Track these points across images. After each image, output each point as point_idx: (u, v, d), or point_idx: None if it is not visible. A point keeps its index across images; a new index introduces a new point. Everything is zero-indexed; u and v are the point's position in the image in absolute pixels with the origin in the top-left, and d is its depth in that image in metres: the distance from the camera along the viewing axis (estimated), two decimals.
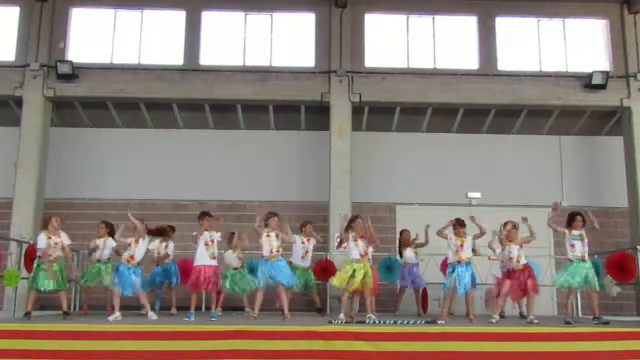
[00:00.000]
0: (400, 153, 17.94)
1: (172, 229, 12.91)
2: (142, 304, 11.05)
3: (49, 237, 10.59)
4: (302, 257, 12.56)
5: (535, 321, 10.15)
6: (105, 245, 12.27)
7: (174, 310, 12.55)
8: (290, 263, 12.20)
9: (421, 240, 13.24)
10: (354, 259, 10.74)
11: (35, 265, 10.62)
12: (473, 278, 11.06)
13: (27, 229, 15.70)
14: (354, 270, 10.62)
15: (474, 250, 11.34)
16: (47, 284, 10.45)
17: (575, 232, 10.71)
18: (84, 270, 12.93)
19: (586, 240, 10.69)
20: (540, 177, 17.89)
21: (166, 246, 12.58)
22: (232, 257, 12.50)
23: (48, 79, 16.83)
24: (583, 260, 10.58)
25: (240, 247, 12.51)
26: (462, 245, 10.98)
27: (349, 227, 10.98)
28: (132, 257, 10.77)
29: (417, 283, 13.32)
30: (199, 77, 17.15)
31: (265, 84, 17.14)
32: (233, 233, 12.58)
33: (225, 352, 8.52)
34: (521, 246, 10.81)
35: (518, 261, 10.71)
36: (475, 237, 11.22)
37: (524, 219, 10.92)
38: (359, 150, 17.35)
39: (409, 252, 13.30)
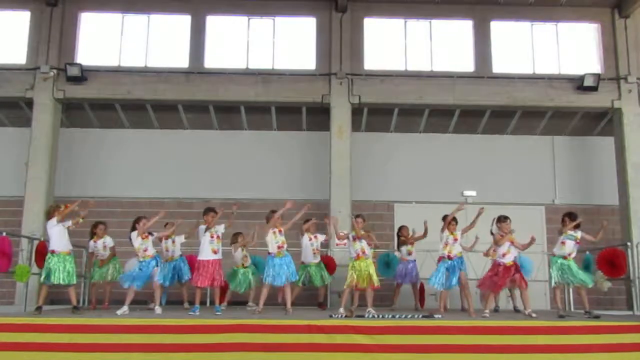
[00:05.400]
0: (398, 153, 18.20)
1: (173, 225, 12.87)
2: (155, 297, 11.23)
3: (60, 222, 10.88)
4: (314, 253, 12.74)
5: (534, 315, 10.43)
6: (105, 244, 12.65)
7: (187, 305, 12.69)
8: (302, 263, 12.61)
9: (419, 236, 13.31)
10: (352, 259, 11.28)
11: (48, 259, 10.79)
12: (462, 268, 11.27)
13: (38, 226, 15.83)
14: (357, 270, 11.14)
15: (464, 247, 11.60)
16: (63, 278, 10.69)
17: (570, 232, 10.98)
18: (89, 266, 13.19)
19: (578, 245, 11.02)
20: (534, 176, 18.18)
21: (173, 242, 12.74)
22: (240, 256, 12.71)
23: (58, 81, 17.06)
24: (565, 258, 10.90)
25: (245, 245, 12.67)
26: (455, 240, 11.22)
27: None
28: (145, 250, 11.15)
29: (413, 278, 13.48)
30: (203, 79, 17.36)
31: (268, 86, 17.36)
32: (237, 233, 12.76)
33: (229, 345, 8.78)
34: (512, 243, 10.97)
35: (503, 255, 10.89)
36: (464, 231, 11.48)
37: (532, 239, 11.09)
38: (359, 150, 17.65)
39: (404, 249, 13.49)
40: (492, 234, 11.61)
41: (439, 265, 11.38)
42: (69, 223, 11.08)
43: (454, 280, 11.17)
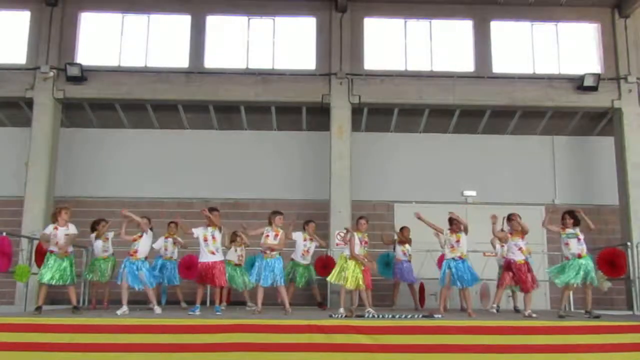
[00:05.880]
0: (398, 153, 18.23)
1: (176, 224, 12.96)
2: (150, 298, 11.30)
3: (55, 228, 10.79)
4: (303, 254, 12.61)
5: (534, 315, 10.42)
6: (108, 239, 12.56)
7: (184, 305, 12.79)
8: (292, 260, 12.59)
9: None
10: (347, 257, 11.24)
11: (46, 260, 10.76)
12: (472, 274, 11.17)
13: (38, 226, 15.79)
14: (346, 267, 11.11)
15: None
16: (49, 277, 10.59)
17: (570, 231, 10.88)
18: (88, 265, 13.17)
19: (582, 239, 10.81)
20: (534, 176, 18.21)
21: (174, 243, 12.80)
22: (233, 255, 12.71)
23: (58, 81, 17.08)
24: (579, 257, 10.69)
25: (241, 244, 12.69)
26: (458, 241, 11.10)
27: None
28: (135, 252, 11.07)
29: (409, 278, 13.58)
30: (203, 79, 17.39)
31: (268, 86, 17.38)
32: (235, 232, 12.77)
33: (229, 345, 8.74)
34: (523, 238, 10.98)
35: (520, 249, 10.88)
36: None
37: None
38: (359, 150, 17.65)
39: (398, 249, 13.60)
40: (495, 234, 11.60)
41: (457, 264, 11.18)
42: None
43: (460, 281, 11.15)
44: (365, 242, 11.31)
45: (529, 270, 10.96)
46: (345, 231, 12.28)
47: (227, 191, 17.73)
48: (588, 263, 10.78)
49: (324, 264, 13.74)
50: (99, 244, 12.53)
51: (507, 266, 11.09)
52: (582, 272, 10.67)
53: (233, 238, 12.74)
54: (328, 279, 11.57)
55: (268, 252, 10.90)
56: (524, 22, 18.26)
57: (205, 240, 10.83)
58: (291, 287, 12.42)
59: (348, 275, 11.05)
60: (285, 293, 11.15)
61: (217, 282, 10.84)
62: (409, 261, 13.66)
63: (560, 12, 18.14)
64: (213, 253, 10.82)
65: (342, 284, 11.22)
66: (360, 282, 11.07)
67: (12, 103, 17.51)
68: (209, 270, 10.73)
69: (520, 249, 10.96)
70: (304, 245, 12.65)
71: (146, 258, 11.33)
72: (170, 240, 12.82)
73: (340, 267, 11.28)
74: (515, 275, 10.95)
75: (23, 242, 13.31)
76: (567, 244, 10.90)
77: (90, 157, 18.02)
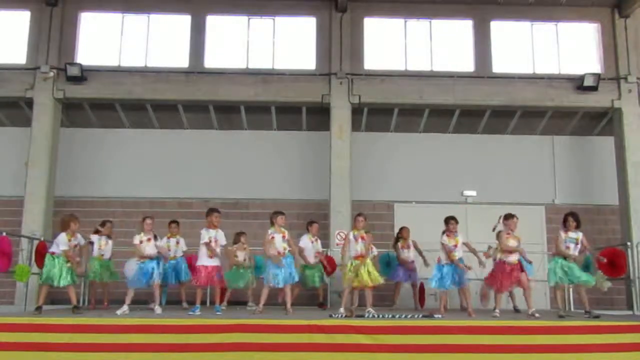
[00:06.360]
0: (398, 153, 18.19)
1: (177, 224, 13.05)
2: (154, 296, 11.21)
3: (70, 240, 10.90)
4: (315, 256, 12.71)
5: (537, 315, 10.43)
6: (108, 242, 12.62)
7: (185, 305, 12.73)
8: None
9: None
10: (352, 257, 11.15)
11: (48, 261, 10.84)
12: (460, 275, 11.17)
13: (38, 226, 16.05)
14: (356, 269, 11.02)
15: None
16: (63, 279, 10.71)
17: (572, 235, 10.91)
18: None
19: (580, 246, 10.87)
20: (534, 176, 18.18)
21: (177, 243, 12.83)
22: (241, 257, 12.55)
23: (58, 81, 17.07)
24: (565, 259, 10.80)
25: (244, 249, 12.58)
26: (455, 246, 11.17)
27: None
28: (142, 254, 11.10)
29: (412, 278, 13.61)
30: (203, 79, 17.38)
31: (268, 86, 17.36)
32: (240, 233, 12.74)
33: (229, 345, 8.77)
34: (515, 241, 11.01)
35: (510, 253, 10.87)
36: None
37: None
38: (359, 150, 17.64)
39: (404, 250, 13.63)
40: (493, 230, 11.61)
41: (436, 267, 11.34)
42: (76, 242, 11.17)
43: (450, 283, 11.16)
44: (362, 238, 11.22)
45: (522, 269, 11.05)
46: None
47: (227, 191, 17.69)
48: (571, 265, 10.78)
49: (324, 264, 13.60)
50: (96, 241, 12.52)
51: (500, 269, 11.04)
52: (562, 274, 10.75)
53: (236, 240, 12.67)
54: (344, 285, 11.45)
55: (281, 253, 10.82)
56: (524, 22, 18.23)
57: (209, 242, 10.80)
58: (296, 289, 12.36)
59: (362, 274, 11.01)
60: (290, 293, 11.08)
61: (215, 283, 10.88)
62: (412, 261, 13.65)
63: (560, 12, 18.12)
64: (211, 257, 10.81)
65: (355, 285, 11.22)
66: (377, 277, 11.13)
67: (12, 103, 17.48)
68: (205, 272, 10.74)
69: (511, 251, 10.94)
70: (312, 248, 12.70)
71: (159, 253, 11.37)
72: (172, 240, 12.86)
73: (349, 273, 11.18)
74: (507, 276, 10.92)
75: (23, 242, 13.37)
76: (567, 247, 10.90)
77: (90, 157, 17.98)
